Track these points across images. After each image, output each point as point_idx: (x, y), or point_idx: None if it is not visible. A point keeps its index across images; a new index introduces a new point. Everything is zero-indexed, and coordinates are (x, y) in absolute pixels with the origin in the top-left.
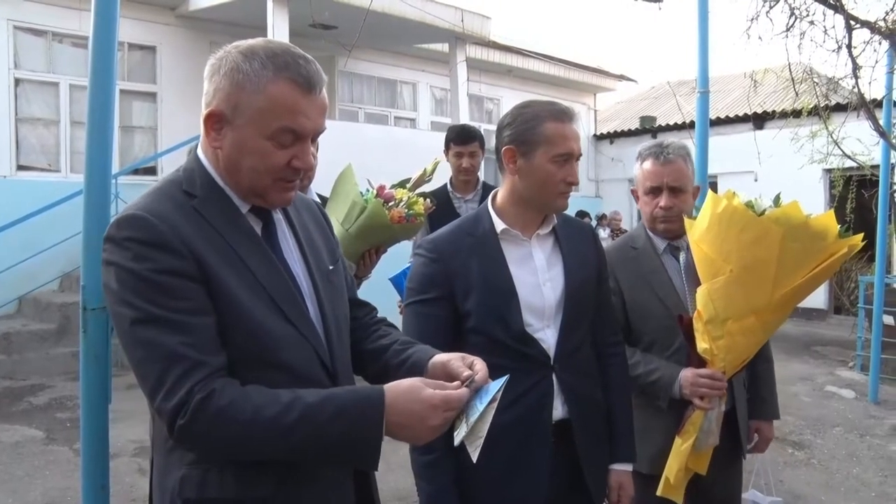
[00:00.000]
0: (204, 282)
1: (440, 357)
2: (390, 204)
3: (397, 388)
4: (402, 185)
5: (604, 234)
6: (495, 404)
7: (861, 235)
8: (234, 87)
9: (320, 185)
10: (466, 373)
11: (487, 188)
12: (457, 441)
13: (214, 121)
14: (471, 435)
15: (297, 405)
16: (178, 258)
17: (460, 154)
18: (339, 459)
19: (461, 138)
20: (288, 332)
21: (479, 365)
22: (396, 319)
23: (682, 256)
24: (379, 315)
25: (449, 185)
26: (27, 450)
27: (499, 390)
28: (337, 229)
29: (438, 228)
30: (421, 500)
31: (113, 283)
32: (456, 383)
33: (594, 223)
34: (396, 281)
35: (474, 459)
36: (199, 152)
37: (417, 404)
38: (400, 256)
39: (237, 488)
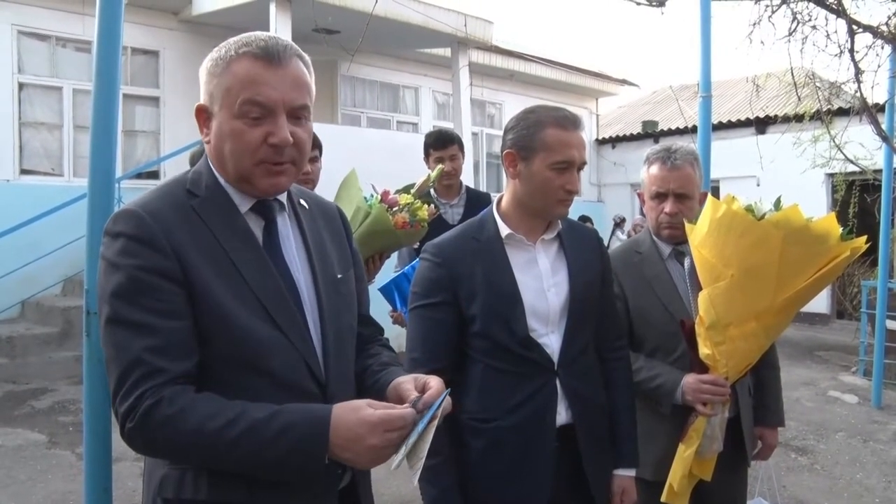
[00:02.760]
0: (185, 284)
1: (398, 379)
2: (394, 209)
3: (341, 407)
4: (405, 190)
5: (622, 235)
6: (436, 422)
7: (864, 238)
8: (209, 77)
9: (324, 190)
10: (413, 395)
11: (471, 192)
12: (393, 466)
13: (204, 117)
14: (412, 456)
15: (244, 419)
16: (162, 256)
17: (441, 159)
18: (283, 476)
19: (440, 142)
20: (275, 339)
21: (434, 383)
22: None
23: (686, 261)
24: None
25: (432, 192)
26: (30, 453)
27: (438, 406)
28: None
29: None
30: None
31: (101, 276)
32: (403, 405)
33: (612, 227)
34: (386, 290)
35: (414, 482)
36: (207, 152)
37: (356, 423)
38: (388, 267)
39: (210, 492)
